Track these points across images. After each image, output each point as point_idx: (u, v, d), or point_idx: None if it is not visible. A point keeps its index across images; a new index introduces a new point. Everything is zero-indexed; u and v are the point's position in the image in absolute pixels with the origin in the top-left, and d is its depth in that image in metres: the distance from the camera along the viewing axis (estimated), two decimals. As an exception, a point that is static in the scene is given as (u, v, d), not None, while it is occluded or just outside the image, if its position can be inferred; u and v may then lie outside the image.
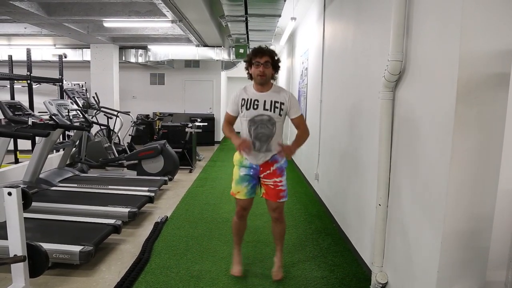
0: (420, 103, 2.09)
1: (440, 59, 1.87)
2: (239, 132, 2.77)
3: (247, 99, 2.68)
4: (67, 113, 5.05)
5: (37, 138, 4.56)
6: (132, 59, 9.40)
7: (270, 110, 2.65)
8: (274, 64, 2.67)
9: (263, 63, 2.60)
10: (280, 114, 2.67)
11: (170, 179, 5.79)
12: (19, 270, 2.20)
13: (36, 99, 6.20)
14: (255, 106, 2.66)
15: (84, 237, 3.02)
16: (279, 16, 5.40)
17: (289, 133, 8.79)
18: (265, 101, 2.66)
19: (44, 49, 9.04)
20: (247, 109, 2.67)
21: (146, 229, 3.83)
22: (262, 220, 4.07)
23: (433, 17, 1.96)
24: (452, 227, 1.77)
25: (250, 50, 2.67)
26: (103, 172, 6.30)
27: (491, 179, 1.70)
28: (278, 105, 2.65)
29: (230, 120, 2.80)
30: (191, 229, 3.86)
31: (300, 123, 2.76)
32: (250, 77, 2.75)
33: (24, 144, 6.26)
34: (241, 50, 8.41)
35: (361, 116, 3.18)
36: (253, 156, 2.72)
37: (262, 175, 2.74)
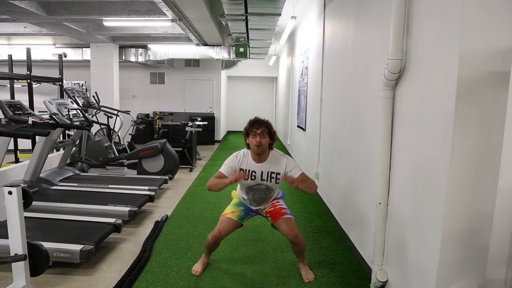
0: (420, 102, 2.09)
1: (440, 58, 1.87)
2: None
3: (245, 170, 2.80)
4: (67, 113, 5.05)
5: (37, 137, 4.57)
6: (132, 58, 9.39)
7: (267, 181, 2.81)
8: (270, 134, 2.76)
9: (259, 133, 2.69)
10: (276, 182, 2.83)
11: (171, 178, 5.79)
12: (19, 269, 2.21)
13: (36, 98, 6.20)
14: (253, 177, 2.80)
15: (84, 236, 3.02)
16: (279, 15, 5.40)
17: (289, 132, 8.80)
18: (262, 172, 2.79)
19: (44, 48, 9.03)
20: (245, 179, 2.80)
21: (146, 228, 3.84)
22: (262, 219, 4.06)
23: (433, 15, 1.96)
24: (452, 225, 1.77)
25: (248, 122, 2.78)
26: (103, 171, 6.30)
27: (491, 178, 1.70)
28: (274, 175, 2.80)
29: (220, 178, 2.81)
30: (191, 228, 3.86)
31: (304, 179, 2.78)
32: (248, 146, 2.83)
33: (24, 143, 6.26)
34: (241, 49, 8.40)
35: (361, 115, 3.18)
36: (248, 205, 2.96)
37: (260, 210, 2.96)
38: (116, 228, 3.32)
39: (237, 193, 3.03)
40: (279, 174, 2.79)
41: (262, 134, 2.69)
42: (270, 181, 2.80)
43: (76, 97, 6.31)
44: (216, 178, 2.80)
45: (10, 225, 2.17)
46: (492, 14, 1.65)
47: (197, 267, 2.92)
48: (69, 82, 9.12)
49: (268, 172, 2.78)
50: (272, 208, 2.89)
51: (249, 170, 2.79)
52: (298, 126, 7.29)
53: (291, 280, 2.81)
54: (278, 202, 2.94)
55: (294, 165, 2.81)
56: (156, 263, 3.05)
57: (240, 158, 2.82)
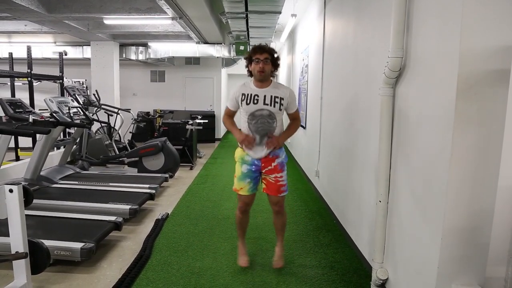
0: (420, 100, 2.09)
1: (440, 56, 1.86)
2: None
3: (247, 94, 2.74)
4: (67, 111, 5.06)
5: (38, 135, 4.57)
6: (133, 56, 9.39)
7: (270, 105, 2.71)
8: (273, 60, 2.75)
9: (263, 60, 2.67)
10: (280, 109, 2.74)
11: (171, 176, 5.80)
12: (20, 267, 2.22)
13: (36, 96, 6.21)
14: (255, 101, 2.72)
15: (85, 234, 3.03)
16: (280, 13, 5.39)
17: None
18: (265, 96, 2.72)
19: (45, 46, 9.03)
20: (247, 103, 2.73)
21: (147, 226, 3.84)
22: (263, 217, 4.08)
23: (434, 13, 1.95)
24: (452, 223, 1.77)
25: (250, 48, 2.72)
26: (104, 169, 6.31)
27: (491, 176, 1.70)
28: (278, 100, 2.72)
29: (230, 114, 2.91)
30: (192, 226, 3.87)
31: (296, 116, 2.91)
32: (250, 74, 2.81)
33: (25, 141, 6.26)
34: (242, 47, 8.39)
35: (362, 113, 3.18)
36: (253, 151, 2.78)
37: (263, 171, 2.82)
38: (117, 226, 3.33)
39: (240, 152, 2.84)
40: (283, 99, 2.74)
41: (265, 61, 2.67)
42: (274, 106, 2.71)
43: (76, 95, 6.33)
44: (228, 116, 2.92)
45: (11, 223, 2.17)
46: (492, 12, 1.65)
47: (242, 260, 2.96)
48: (69, 80, 9.12)
49: (271, 96, 2.72)
50: (274, 182, 2.79)
51: (251, 94, 2.74)
52: (298, 124, 7.27)
53: (291, 278, 2.82)
54: (282, 177, 2.81)
55: (294, 99, 2.84)
56: (156, 261, 3.06)
57: (241, 86, 2.82)
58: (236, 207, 2.99)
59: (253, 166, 2.79)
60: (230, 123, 2.92)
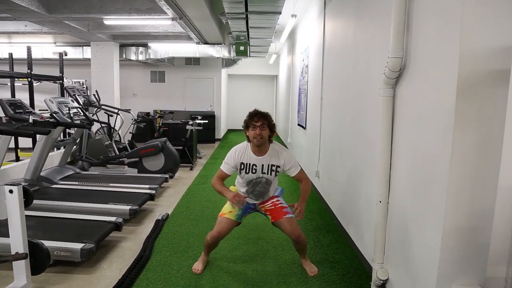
0: (421, 100, 2.09)
1: (441, 56, 1.86)
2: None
3: (246, 164, 2.82)
4: (67, 111, 5.05)
5: (38, 136, 4.57)
6: (133, 57, 9.39)
7: (268, 173, 2.83)
8: (270, 126, 2.78)
9: (259, 126, 2.71)
10: (276, 175, 2.86)
11: (171, 177, 5.80)
12: (20, 268, 2.21)
13: (36, 97, 6.21)
14: (254, 171, 2.82)
15: (85, 234, 3.03)
16: (280, 13, 5.39)
17: (290, 130, 8.80)
18: (262, 166, 2.81)
19: (45, 47, 9.03)
20: (246, 173, 2.83)
21: (147, 227, 3.84)
22: (262, 218, 4.06)
23: (434, 13, 1.95)
24: (453, 223, 1.77)
25: (247, 115, 2.81)
26: (104, 170, 6.31)
27: (491, 176, 1.70)
28: (274, 168, 2.82)
29: (223, 178, 2.93)
30: (192, 227, 3.87)
31: (301, 177, 2.90)
32: (248, 139, 2.83)
33: (25, 142, 6.26)
34: (242, 48, 8.39)
35: (362, 113, 3.18)
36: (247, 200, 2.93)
37: (259, 206, 2.96)
38: (117, 227, 3.32)
39: (236, 188, 3.02)
40: (279, 167, 2.81)
41: (262, 127, 2.70)
42: (270, 174, 2.81)
43: (76, 95, 6.32)
44: (219, 179, 2.90)
45: (11, 223, 2.17)
46: (492, 12, 1.65)
47: (197, 266, 2.93)
48: (69, 81, 9.12)
49: (268, 165, 2.80)
50: (273, 207, 2.89)
51: (249, 164, 2.80)
52: (298, 125, 7.28)
53: (291, 278, 2.82)
54: (278, 200, 2.94)
55: (293, 163, 2.83)
56: (156, 261, 3.06)
57: (240, 153, 2.83)
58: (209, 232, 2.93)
59: (249, 198, 2.93)
60: (220, 184, 2.89)
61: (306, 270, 2.91)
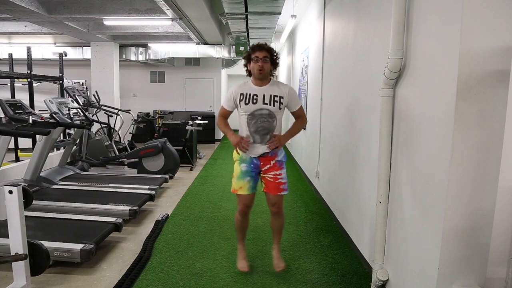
0: (420, 100, 2.09)
1: (440, 56, 1.86)
2: (236, 130, 2.79)
3: (246, 94, 2.71)
4: (67, 111, 5.06)
5: (37, 136, 4.57)
6: (133, 57, 9.39)
7: (270, 104, 2.68)
8: (272, 59, 2.72)
9: (262, 58, 2.64)
10: (279, 108, 2.71)
11: (171, 177, 5.80)
12: (20, 269, 2.21)
13: (36, 97, 6.21)
14: (254, 101, 2.68)
15: (85, 235, 3.02)
16: (279, 13, 5.40)
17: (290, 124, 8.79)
18: (264, 95, 2.69)
19: (45, 47, 9.04)
20: (246, 103, 2.70)
21: (147, 227, 3.84)
22: (262, 218, 4.07)
23: (433, 14, 1.95)
24: (453, 224, 1.77)
25: (249, 47, 2.71)
26: (104, 170, 6.31)
27: (491, 176, 1.70)
28: (277, 98, 2.69)
29: (225, 115, 2.85)
30: (192, 227, 3.87)
31: (301, 114, 2.84)
32: (249, 73, 2.78)
33: (24, 142, 6.27)
34: (242, 48, 8.40)
35: (362, 114, 3.18)
36: (252, 149, 2.74)
37: (262, 169, 2.79)
38: (117, 227, 3.32)
39: (237, 154, 2.82)
40: (283, 97, 2.71)
41: (264, 60, 2.65)
42: (273, 105, 2.68)
43: (76, 96, 6.33)
44: (222, 117, 2.85)
45: (10, 224, 2.17)
46: (492, 12, 1.65)
47: (242, 264, 2.91)
48: (69, 81, 9.12)
49: (270, 95, 2.69)
50: (272, 180, 2.77)
51: (249, 94, 2.70)
52: (298, 125, 7.26)
53: (291, 279, 2.81)
54: (281, 174, 2.78)
55: (296, 97, 2.79)
56: (156, 262, 3.05)
57: (239, 86, 2.77)
58: (236, 209, 2.93)
59: (252, 165, 2.77)
60: (224, 124, 2.85)
61: (274, 263, 2.90)
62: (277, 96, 2.69)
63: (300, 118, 2.87)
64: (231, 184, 2.86)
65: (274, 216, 2.89)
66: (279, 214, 2.87)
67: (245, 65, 2.79)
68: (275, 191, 2.77)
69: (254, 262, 3.08)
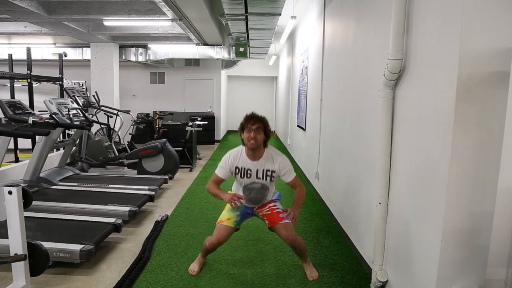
0: (420, 101, 2.09)
1: (440, 58, 1.86)
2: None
3: (241, 168, 2.78)
4: (67, 112, 5.05)
5: (37, 137, 4.57)
6: (132, 58, 9.39)
7: (263, 179, 2.79)
8: (265, 130, 2.73)
9: (255, 129, 2.66)
10: (271, 180, 2.82)
11: (171, 178, 5.79)
12: (19, 269, 2.21)
13: (36, 98, 6.20)
14: (248, 175, 2.78)
15: (84, 235, 3.02)
16: (279, 14, 5.39)
17: (289, 131, 8.80)
18: (257, 170, 2.77)
19: (44, 48, 9.03)
20: (241, 177, 2.80)
21: (146, 228, 3.84)
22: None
23: (433, 15, 1.95)
24: (452, 225, 1.77)
25: (244, 117, 2.76)
26: (104, 171, 6.30)
27: (491, 177, 1.70)
28: (269, 173, 2.78)
29: (218, 182, 2.85)
30: (191, 228, 3.86)
31: (296, 183, 2.85)
32: (243, 142, 2.79)
33: (24, 143, 6.26)
34: (241, 49, 8.40)
35: (361, 115, 3.18)
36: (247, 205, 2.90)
37: (256, 209, 2.92)
38: (116, 228, 3.32)
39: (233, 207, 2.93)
40: (274, 172, 2.77)
41: (257, 130, 2.66)
42: (266, 179, 2.77)
43: (76, 96, 6.32)
44: (214, 183, 2.84)
45: (10, 225, 2.17)
46: (492, 14, 1.65)
47: (193, 267, 2.93)
48: (69, 82, 9.11)
49: (263, 170, 2.76)
50: (270, 212, 2.86)
51: (244, 168, 2.77)
52: (298, 126, 7.28)
53: (291, 280, 2.81)
54: (275, 205, 2.89)
55: (288, 168, 2.79)
56: (156, 263, 3.05)
57: (234, 157, 2.79)
58: (210, 235, 2.93)
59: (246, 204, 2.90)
60: (216, 187, 2.80)
61: (307, 274, 2.89)
62: (269, 171, 2.77)
63: (297, 187, 2.84)
64: (220, 215, 2.91)
65: (294, 248, 2.85)
66: (297, 244, 2.81)
67: (240, 135, 2.79)
68: (278, 219, 2.80)
69: (253, 263, 3.08)
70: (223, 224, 2.83)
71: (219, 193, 2.77)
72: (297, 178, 2.84)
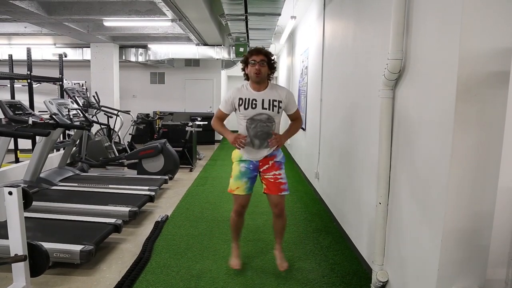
0: (420, 101, 2.09)
1: (440, 57, 1.86)
2: (235, 131, 2.80)
3: (245, 99, 2.73)
4: (67, 113, 5.05)
5: (37, 137, 4.57)
6: (132, 58, 9.39)
7: (269, 109, 2.71)
8: (269, 63, 2.73)
9: (259, 62, 2.66)
10: (278, 112, 2.75)
11: (171, 178, 5.79)
12: (20, 270, 2.21)
13: (36, 98, 6.20)
14: (254, 105, 2.71)
15: (84, 236, 3.02)
16: (279, 15, 5.40)
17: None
18: (263, 100, 2.71)
19: (44, 48, 9.04)
20: (245, 108, 2.72)
21: (146, 228, 3.84)
22: (262, 219, 4.07)
23: (433, 15, 1.95)
24: (452, 225, 1.77)
25: (247, 51, 2.75)
26: (104, 171, 6.30)
27: (491, 177, 1.70)
28: (276, 103, 2.72)
29: (222, 117, 2.87)
30: (191, 228, 3.86)
31: (297, 116, 2.89)
32: (247, 77, 2.79)
33: (24, 143, 6.26)
34: (241, 49, 8.40)
35: (361, 115, 3.18)
36: (252, 153, 2.80)
37: (261, 170, 2.83)
38: (116, 228, 3.32)
39: (237, 153, 2.86)
40: (281, 102, 2.74)
41: (261, 63, 2.66)
42: (272, 109, 2.72)
43: (76, 97, 6.32)
44: (218, 120, 2.87)
45: (10, 225, 2.17)
46: (492, 13, 1.65)
47: (234, 262, 2.95)
48: (69, 82, 9.12)
49: (269, 100, 2.72)
50: (272, 180, 2.80)
51: (248, 99, 2.73)
52: (298, 126, 7.27)
53: (291, 280, 2.81)
54: (280, 174, 2.81)
55: (293, 100, 2.82)
56: (156, 263, 3.05)
57: (238, 89, 2.78)
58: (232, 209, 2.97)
59: (251, 165, 2.82)
60: (220, 125, 2.88)
61: (277, 263, 2.93)
62: (275, 101, 2.72)
63: (297, 119, 2.91)
64: (229, 184, 2.89)
65: (277, 217, 2.91)
66: (282, 215, 2.89)
67: (243, 69, 2.81)
68: (276, 191, 2.79)
69: (254, 263, 3.08)
70: (236, 194, 2.83)
71: (223, 131, 2.83)
72: (299, 111, 2.89)
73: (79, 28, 7.01)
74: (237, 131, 2.81)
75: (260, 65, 2.65)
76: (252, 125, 2.74)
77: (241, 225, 3.00)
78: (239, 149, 2.75)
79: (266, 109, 2.71)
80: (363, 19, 3.20)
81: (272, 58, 2.76)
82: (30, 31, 7.37)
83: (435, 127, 1.91)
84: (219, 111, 2.86)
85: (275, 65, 2.79)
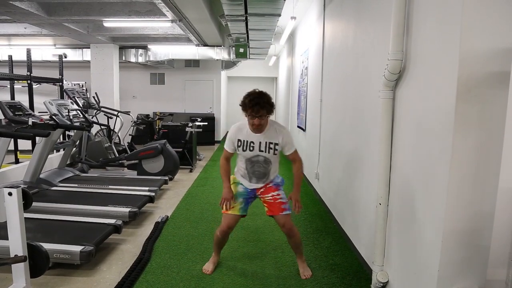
0: (420, 102, 2.09)
1: (440, 58, 1.86)
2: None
3: (243, 141, 2.75)
4: (67, 113, 5.05)
5: (37, 138, 4.56)
6: (132, 59, 9.39)
7: (265, 151, 2.75)
8: (269, 112, 2.66)
9: (258, 117, 2.61)
10: (274, 153, 2.78)
11: (171, 179, 5.79)
12: (19, 270, 2.21)
13: (36, 99, 6.20)
14: (251, 148, 2.75)
15: (84, 237, 3.02)
16: (279, 15, 5.40)
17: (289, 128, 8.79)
18: (260, 143, 2.74)
19: (44, 49, 9.03)
20: (243, 150, 2.76)
21: (146, 229, 3.83)
22: (262, 220, 4.07)
23: (433, 16, 1.95)
24: (453, 225, 1.77)
25: (246, 95, 2.66)
26: (104, 172, 6.30)
27: (491, 178, 1.70)
28: (272, 146, 2.74)
29: (229, 157, 2.88)
30: (191, 229, 3.86)
31: (295, 157, 2.85)
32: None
33: (24, 144, 6.26)
34: (241, 50, 8.40)
35: (362, 115, 3.18)
36: (250, 185, 2.87)
37: (258, 193, 2.88)
38: (116, 229, 3.32)
39: (236, 178, 2.92)
40: (277, 144, 2.73)
41: (261, 118, 2.62)
42: (269, 152, 2.73)
43: (76, 97, 6.31)
44: (226, 160, 2.86)
45: (10, 226, 2.16)
46: (492, 14, 1.65)
47: (208, 266, 2.94)
48: (69, 83, 9.13)
49: (266, 143, 2.72)
50: (272, 201, 2.82)
51: (246, 141, 2.74)
52: (298, 127, 7.28)
53: (291, 281, 2.81)
54: (279, 194, 2.84)
55: (290, 141, 2.79)
56: (156, 264, 3.05)
57: (238, 129, 2.77)
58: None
59: (249, 188, 2.87)
60: (225, 171, 2.85)
61: (300, 272, 2.90)
62: (272, 143, 2.73)
63: (296, 162, 2.85)
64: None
65: (288, 237, 2.89)
66: (292, 234, 2.85)
67: (242, 109, 2.70)
68: (278, 211, 2.80)
69: (254, 264, 3.07)
70: (229, 213, 2.82)
71: (224, 180, 2.84)
72: (297, 153, 2.84)
73: (79, 29, 7.01)
74: None
75: (260, 120, 2.62)
76: (249, 165, 2.81)
77: (224, 243, 2.99)
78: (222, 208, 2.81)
79: (262, 151, 2.74)
80: (363, 20, 3.20)
81: (272, 106, 2.66)
82: (30, 32, 7.36)
83: (435, 127, 1.91)
84: (225, 152, 2.85)
85: (273, 108, 2.70)
